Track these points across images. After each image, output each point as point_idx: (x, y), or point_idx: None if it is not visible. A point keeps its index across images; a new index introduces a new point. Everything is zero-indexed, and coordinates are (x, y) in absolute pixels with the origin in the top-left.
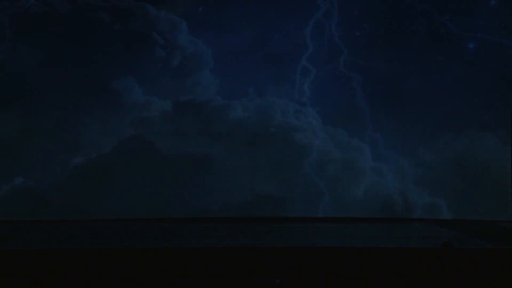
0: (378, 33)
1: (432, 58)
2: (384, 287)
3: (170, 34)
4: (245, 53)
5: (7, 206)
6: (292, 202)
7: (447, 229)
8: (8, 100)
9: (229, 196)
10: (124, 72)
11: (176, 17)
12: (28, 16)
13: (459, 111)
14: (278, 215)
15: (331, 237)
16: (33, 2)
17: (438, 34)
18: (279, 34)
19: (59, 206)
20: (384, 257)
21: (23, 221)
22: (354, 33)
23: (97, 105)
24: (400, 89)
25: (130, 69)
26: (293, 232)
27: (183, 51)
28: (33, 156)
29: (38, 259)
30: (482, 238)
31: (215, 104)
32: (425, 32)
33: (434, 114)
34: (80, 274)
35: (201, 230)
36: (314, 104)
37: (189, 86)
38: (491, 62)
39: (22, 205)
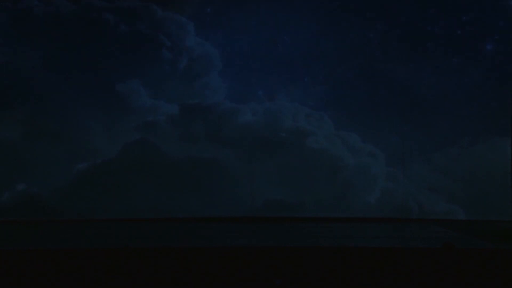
0: (392, 35)
1: (448, 61)
2: (384, 287)
3: (177, 36)
4: (254, 55)
5: (9, 213)
6: (303, 208)
7: (447, 229)
8: (10, 103)
9: (237, 201)
10: (129, 75)
11: (183, 18)
12: (30, 17)
13: (476, 116)
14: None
15: (332, 237)
16: (35, 3)
17: (455, 35)
18: (289, 35)
19: (63, 213)
20: (384, 257)
21: (23, 221)
22: (368, 35)
23: (102, 109)
24: (415, 93)
25: (135, 72)
26: (293, 232)
27: (190, 53)
28: (36, 162)
29: (38, 259)
30: (482, 238)
31: (223, 107)
32: (441, 34)
33: (450, 118)
34: (80, 274)
35: (201, 231)
36: (325, 108)
37: (196, 89)
38: (510, 64)
39: (24, 212)
